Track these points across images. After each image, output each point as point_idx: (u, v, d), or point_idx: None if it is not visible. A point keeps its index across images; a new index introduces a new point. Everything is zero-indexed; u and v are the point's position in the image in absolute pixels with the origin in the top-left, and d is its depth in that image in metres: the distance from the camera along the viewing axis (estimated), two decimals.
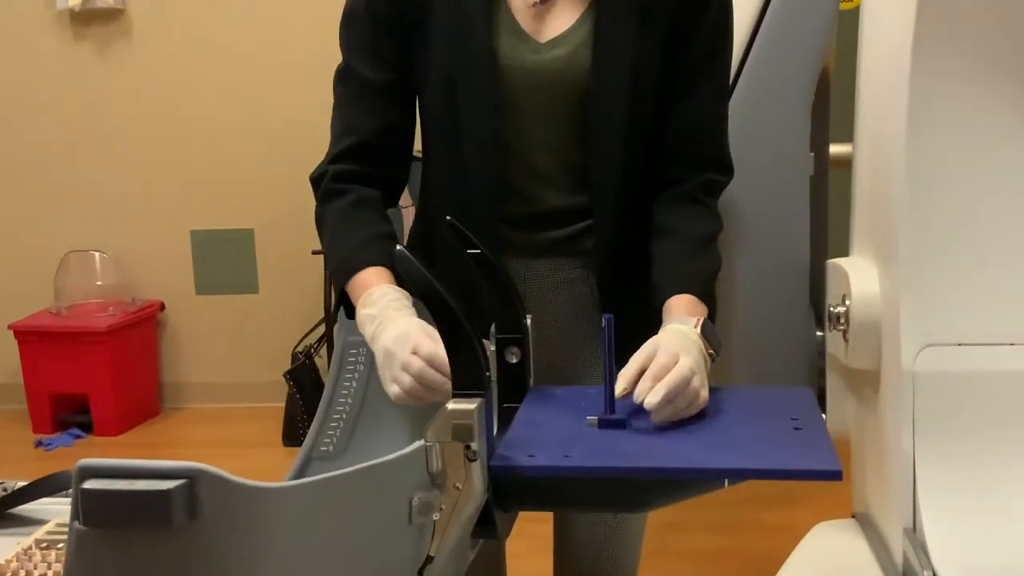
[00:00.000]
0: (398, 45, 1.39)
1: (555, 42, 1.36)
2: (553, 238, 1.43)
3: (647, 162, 1.40)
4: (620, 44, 1.34)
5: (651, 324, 1.31)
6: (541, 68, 1.36)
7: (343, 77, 1.43)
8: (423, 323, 1.23)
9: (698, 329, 1.26)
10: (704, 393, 1.20)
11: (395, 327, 1.23)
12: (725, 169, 1.45)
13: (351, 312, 1.35)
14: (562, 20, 1.37)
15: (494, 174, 1.38)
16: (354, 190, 1.39)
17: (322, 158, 1.43)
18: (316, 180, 1.42)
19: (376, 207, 1.40)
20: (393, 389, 1.22)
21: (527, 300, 1.42)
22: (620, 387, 1.17)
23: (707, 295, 1.36)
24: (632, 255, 1.41)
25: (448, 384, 1.03)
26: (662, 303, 1.35)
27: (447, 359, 1.02)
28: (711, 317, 1.35)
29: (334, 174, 1.40)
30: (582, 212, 1.40)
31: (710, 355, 1.25)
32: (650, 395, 1.14)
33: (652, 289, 1.37)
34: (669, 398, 1.15)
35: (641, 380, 1.17)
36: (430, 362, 1.19)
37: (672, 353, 1.19)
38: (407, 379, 1.20)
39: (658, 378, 1.16)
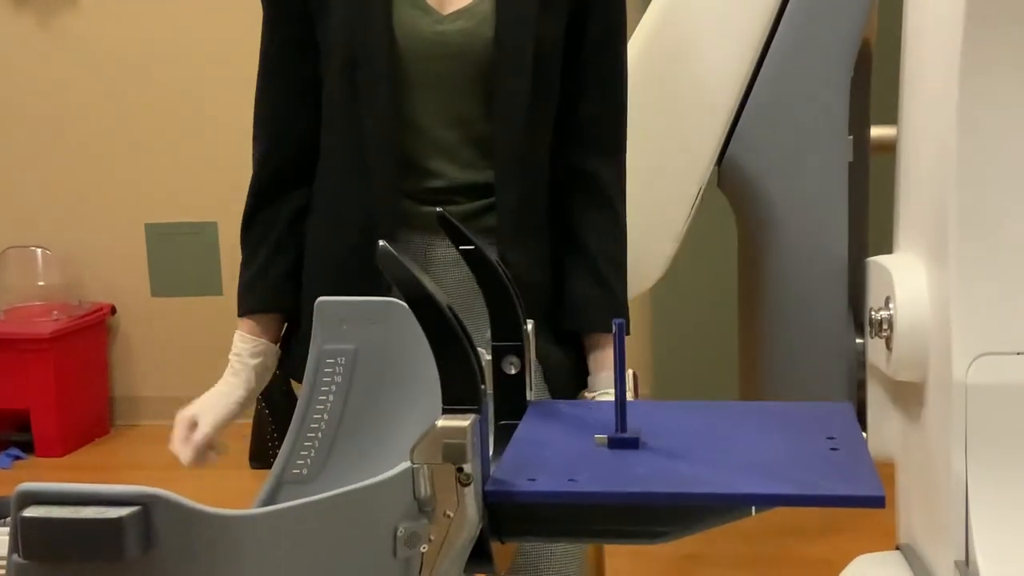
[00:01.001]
0: (301, 23, 1.57)
1: (458, 14, 1.53)
2: (454, 214, 1.50)
3: (553, 142, 1.59)
4: (523, 19, 1.52)
5: (553, 297, 1.60)
6: (444, 39, 1.52)
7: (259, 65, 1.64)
8: (217, 391, 1.64)
9: (630, 383, 1.45)
10: None
11: (212, 398, 1.65)
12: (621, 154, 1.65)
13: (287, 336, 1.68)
14: None
15: (395, 148, 1.54)
16: (269, 216, 1.63)
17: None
18: (251, 184, 1.66)
19: (290, 229, 1.63)
20: (180, 455, 1.63)
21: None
22: None
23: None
24: (536, 233, 1.60)
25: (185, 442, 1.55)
26: (584, 331, 1.63)
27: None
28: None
29: (268, 180, 1.64)
30: (485, 187, 1.57)
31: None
32: None
33: (569, 306, 1.61)
34: None
35: None
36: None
37: None
38: (187, 455, 1.61)
39: None
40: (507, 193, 1.56)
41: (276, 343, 1.68)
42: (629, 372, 1.53)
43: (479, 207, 1.57)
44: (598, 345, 1.63)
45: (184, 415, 1.62)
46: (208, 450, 1.63)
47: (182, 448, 1.61)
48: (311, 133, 1.61)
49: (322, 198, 1.63)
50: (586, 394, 1.63)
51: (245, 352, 1.65)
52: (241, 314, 1.67)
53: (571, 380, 1.64)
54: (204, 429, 1.61)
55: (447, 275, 1.59)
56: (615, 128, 1.63)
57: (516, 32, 1.52)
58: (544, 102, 1.56)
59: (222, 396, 1.64)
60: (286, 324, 1.68)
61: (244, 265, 1.67)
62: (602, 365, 1.62)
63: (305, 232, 1.65)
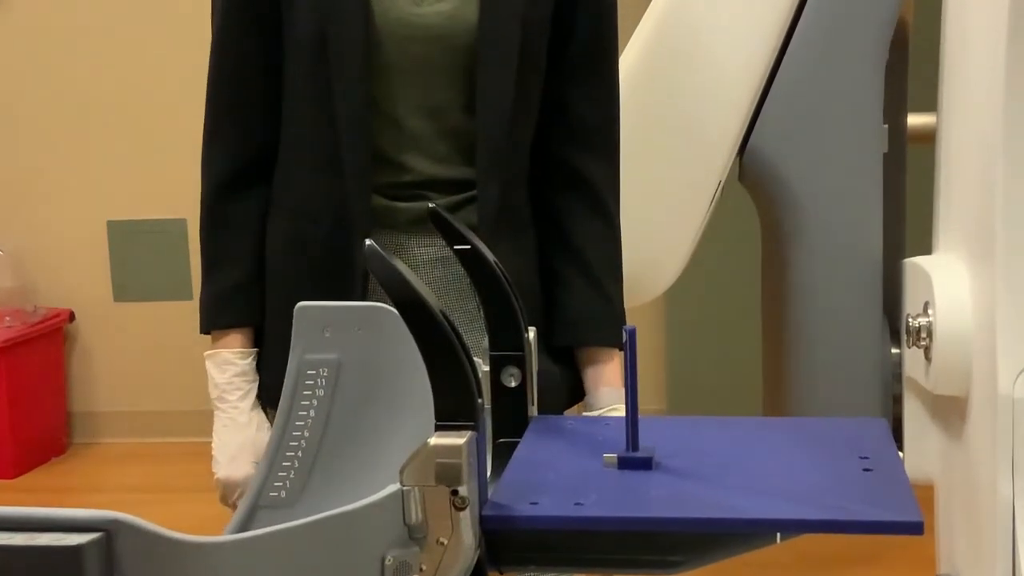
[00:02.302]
0: (263, 3, 1.57)
1: None
2: (424, 210, 1.54)
3: (539, 137, 1.62)
4: (509, 2, 1.54)
5: (542, 304, 1.63)
6: (422, 23, 1.53)
7: (214, 50, 1.63)
8: (256, 434, 1.59)
9: None
10: None
11: (233, 439, 1.60)
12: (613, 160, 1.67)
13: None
14: None
15: (369, 139, 1.55)
16: (235, 215, 1.62)
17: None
18: (204, 174, 1.65)
19: (249, 246, 1.63)
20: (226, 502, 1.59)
21: None
22: None
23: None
24: (519, 233, 1.62)
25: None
26: (581, 345, 1.64)
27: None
28: None
29: (233, 176, 1.63)
30: (460, 184, 1.58)
31: None
32: None
33: (562, 318, 1.63)
34: None
35: None
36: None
37: None
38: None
39: None
40: (489, 189, 1.57)
41: None
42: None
43: (453, 203, 1.58)
44: (596, 359, 1.64)
45: (230, 487, 1.60)
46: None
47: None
48: (275, 126, 1.61)
49: (287, 196, 1.63)
50: (586, 414, 1.63)
51: (249, 369, 1.62)
52: (225, 326, 1.63)
53: (561, 397, 1.65)
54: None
55: (426, 277, 1.60)
56: (609, 124, 1.65)
57: (502, 16, 1.54)
58: (529, 92, 1.58)
59: (249, 438, 1.61)
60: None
61: (217, 267, 1.65)
62: (602, 380, 1.63)
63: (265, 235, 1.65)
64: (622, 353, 1.49)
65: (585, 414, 1.64)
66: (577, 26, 1.60)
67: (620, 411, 1.45)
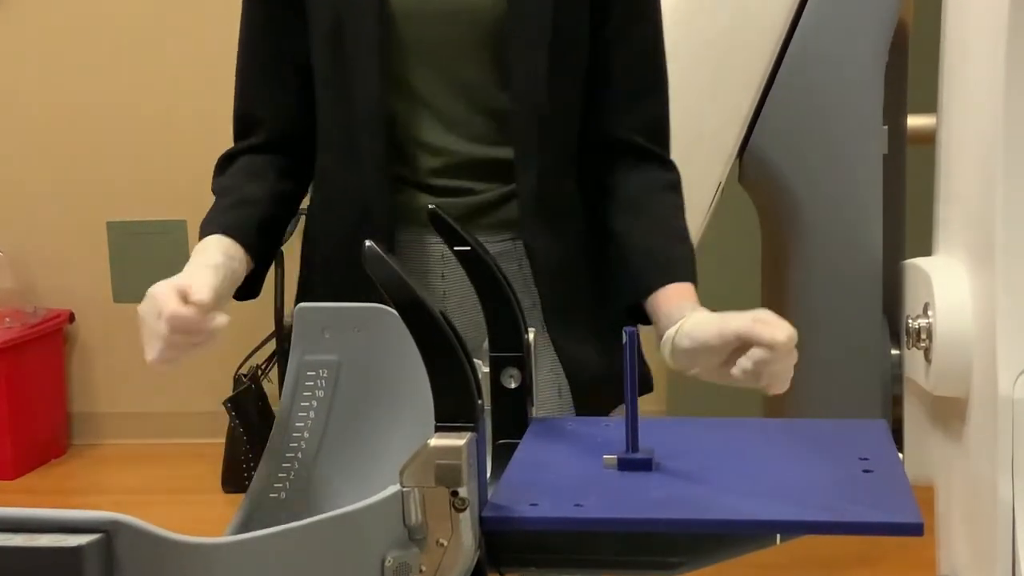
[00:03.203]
0: None
1: None
2: (470, 204, 1.49)
3: (578, 120, 1.51)
4: None
5: (593, 293, 1.49)
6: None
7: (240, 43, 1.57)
8: (192, 272, 1.39)
9: None
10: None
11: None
12: (665, 144, 1.55)
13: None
14: None
15: (389, 121, 1.47)
16: (239, 161, 1.55)
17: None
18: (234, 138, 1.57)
19: (255, 175, 1.53)
20: (148, 354, 1.32)
21: (437, 283, 1.50)
22: (720, 338, 1.28)
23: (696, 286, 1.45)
24: (565, 219, 1.52)
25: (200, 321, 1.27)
26: (650, 291, 1.44)
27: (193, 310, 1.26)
28: None
29: (229, 152, 1.56)
30: (502, 170, 1.49)
31: None
32: (777, 331, 1.24)
33: (631, 274, 1.47)
34: (794, 343, 1.24)
35: (753, 322, 1.26)
36: (173, 324, 1.29)
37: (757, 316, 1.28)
38: (157, 345, 1.30)
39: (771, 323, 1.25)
40: (527, 175, 1.48)
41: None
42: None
43: (496, 196, 1.50)
44: (664, 291, 1.43)
45: (162, 291, 1.32)
46: (214, 315, 1.32)
47: (177, 323, 1.29)
48: (305, 116, 1.54)
49: (319, 188, 1.58)
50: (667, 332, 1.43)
51: (217, 248, 1.45)
52: (210, 233, 1.47)
53: (605, 392, 1.51)
54: (202, 294, 1.33)
55: (462, 283, 1.44)
56: (659, 103, 1.54)
57: None
58: (568, 68, 1.48)
59: (199, 266, 1.41)
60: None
61: (221, 193, 1.54)
62: (675, 297, 1.42)
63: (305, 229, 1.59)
64: (692, 286, 1.44)
65: (666, 333, 1.41)
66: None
67: (695, 321, 1.35)
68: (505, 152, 1.49)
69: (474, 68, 1.48)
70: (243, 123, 1.57)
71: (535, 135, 1.48)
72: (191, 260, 1.44)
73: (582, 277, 1.53)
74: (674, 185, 1.54)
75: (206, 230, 1.48)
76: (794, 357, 1.27)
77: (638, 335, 1.16)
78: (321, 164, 1.56)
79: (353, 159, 1.50)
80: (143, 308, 1.34)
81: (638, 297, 1.45)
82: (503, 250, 1.51)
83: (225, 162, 1.57)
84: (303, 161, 1.57)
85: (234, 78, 1.59)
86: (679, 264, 1.46)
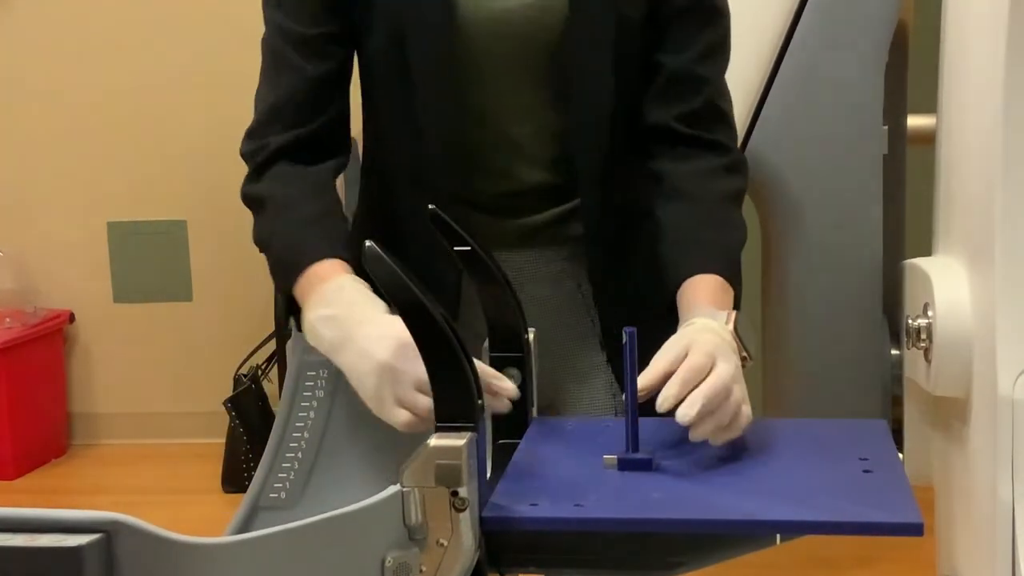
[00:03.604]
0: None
1: None
2: (531, 224, 1.47)
3: (637, 134, 1.44)
4: None
5: (654, 321, 1.31)
6: (509, 18, 1.40)
7: (273, 35, 1.44)
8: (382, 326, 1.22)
9: (731, 326, 1.26)
10: (746, 410, 1.19)
11: (381, 331, 1.20)
12: (731, 133, 1.47)
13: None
14: None
15: (454, 143, 1.42)
16: (301, 167, 1.41)
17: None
18: (251, 154, 1.43)
19: (328, 189, 1.42)
20: (402, 416, 1.19)
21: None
22: (642, 386, 1.16)
23: (733, 276, 1.37)
24: (626, 241, 1.47)
25: None
26: (678, 285, 1.36)
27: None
28: (736, 304, 1.36)
29: (277, 147, 1.41)
30: (564, 191, 1.45)
31: (742, 359, 1.25)
32: (685, 405, 1.14)
33: (664, 266, 1.40)
34: (709, 409, 1.14)
35: (667, 385, 1.15)
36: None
37: (707, 354, 1.18)
38: (425, 401, 1.15)
39: (690, 383, 1.15)
40: (591, 197, 1.44)
41: None
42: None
43: (556, 215, 1.47)
44: (691, 283, 1.36)
45: (405, 386, 1.19)
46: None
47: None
48: (340, 122, 1.46)
49: (382, 215, 1.50)
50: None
51: (364, 288, 1.29)
52: (317, 259, 1.32)
53: None
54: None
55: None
56: (717, 94, 1.47)
57: (594, 10, 1.39)
58: (627, 88, 1.43)
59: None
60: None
61: (278, 212, 1.39)
62: (697, 295, 1.34)
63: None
64: (717, 278, 1.34)
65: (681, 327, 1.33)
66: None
67: (705, 324, 1.26)
68: (565, 177, 1.45)
69: (535, 89, 1.43)
70: (279, 114, 1.44)
71: (598, 158, 1.44)
72: (359, 296, 1.28)
73: (646, 299, 1.43)
74: (725, 169, 1.44)
75: (317, 251, 1.33)
76: (721, 420, 1.16)
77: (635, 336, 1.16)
78: (383, 185, 1.50)
79: (414, 180, 1.44)
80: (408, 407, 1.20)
81: (665, 302, 1.38)
82: (562, 270, 1.49)
83: (272, 159, 1.42)
84: (337, 160, 1.47)
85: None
86: (696, 255, 1.38)
